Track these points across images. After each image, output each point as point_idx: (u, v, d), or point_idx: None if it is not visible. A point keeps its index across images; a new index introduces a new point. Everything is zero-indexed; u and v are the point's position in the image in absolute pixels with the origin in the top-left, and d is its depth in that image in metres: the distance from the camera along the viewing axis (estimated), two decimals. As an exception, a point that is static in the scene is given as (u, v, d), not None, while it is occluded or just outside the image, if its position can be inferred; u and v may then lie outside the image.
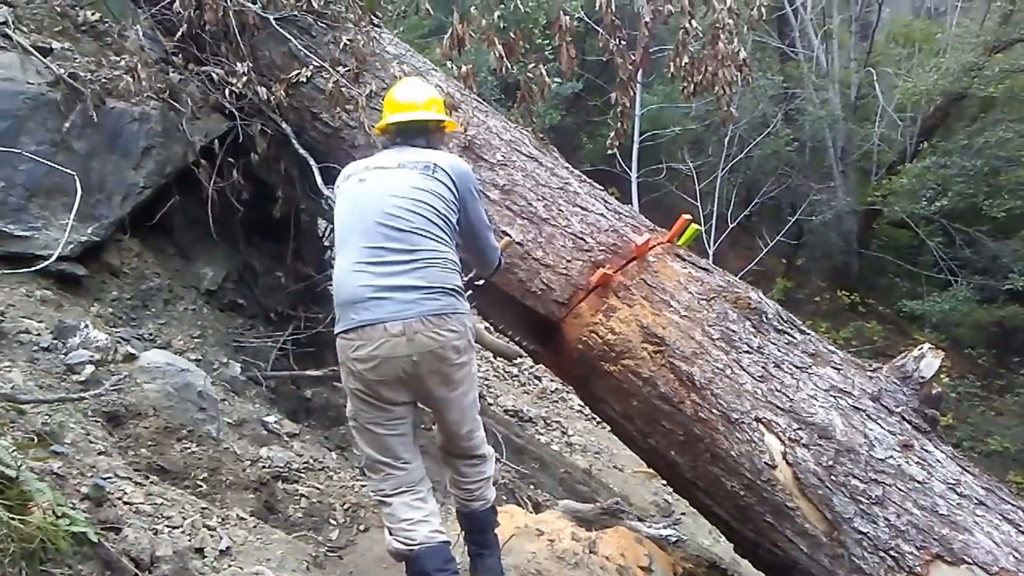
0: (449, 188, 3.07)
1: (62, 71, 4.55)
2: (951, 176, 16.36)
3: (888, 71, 18.25)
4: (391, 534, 3.00)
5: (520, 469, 6.02)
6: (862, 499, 3.29)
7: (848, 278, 19.27)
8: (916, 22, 20.45)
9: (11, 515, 2.15)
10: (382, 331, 2.81)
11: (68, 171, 4.34)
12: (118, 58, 4.96)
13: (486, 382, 8.19)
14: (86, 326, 4.03)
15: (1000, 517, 3.25)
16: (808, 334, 3.93)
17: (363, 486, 4.22)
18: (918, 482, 3.32)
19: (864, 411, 3.52)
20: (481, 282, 3.50)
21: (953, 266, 17.29)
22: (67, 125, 4.52)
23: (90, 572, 2.37)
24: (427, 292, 2.86)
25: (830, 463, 3.37)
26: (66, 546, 2.26)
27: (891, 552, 3.19)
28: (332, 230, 5.13)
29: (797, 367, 3.68)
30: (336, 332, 2.95)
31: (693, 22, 5.36)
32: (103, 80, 4.74)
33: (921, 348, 3.77)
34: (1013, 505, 3.34)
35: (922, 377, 3.65)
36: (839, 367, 3.73)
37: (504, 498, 5.27)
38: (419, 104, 3.27)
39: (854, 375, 3.69)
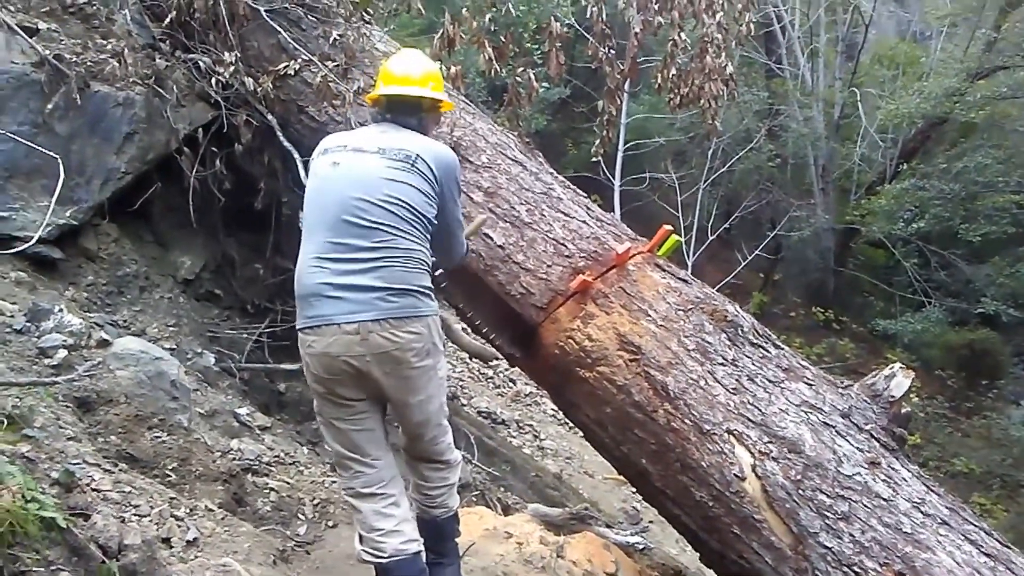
0: (429, 182, 2.88)
1: (47, 52, 4.51)
2: (929, 199, 16.56)
3: (872, 92, 18.42)
4: (361, 542, 2.92)
5: (491, 471, 6.03)
6: (828, 514, 3.32)
7: (824, 295, 19.44)
8: (901, 45, 20.66)
9: (-21, 497, 2.14)
10: (336, 329, 2.70)
11: (51, 153, 4.30)
12: (105, 42, 4.93)
13: (461, 383, 8.19)
14: (60, 310, 3.99)
15: (962, 537, 3.29)
16: (782, 349, 3.96)
17: (333, 482, 4.22)
18: (884, 499, 3.35)
19: (834, 427, 3.55)
20: (444, 284, 3.25)
21: (927, 288, 17.49)
22: (50, 107, 4.48)
23: (57, 557, 2.36)
24: (385, 293, 2.72)
25: (798, 477, 3.40)
26: (35, 530, 2.25)
27: (854, 568, 3.21)
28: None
29: (770, 381, 3.71)
30: (297, 327, 2.83)
31: (682, 35, 5.42)
32: (88, 63, 4.71)
33: (892, 367, 3.80)
34: (975, 526, 3.38)
35: (892, 396, 3.69)
36: (811, 383, 3.76)
37: (474, 499, 5.28)
38: (414, 79, 3.03)
39: (826, 391, 3.73)
